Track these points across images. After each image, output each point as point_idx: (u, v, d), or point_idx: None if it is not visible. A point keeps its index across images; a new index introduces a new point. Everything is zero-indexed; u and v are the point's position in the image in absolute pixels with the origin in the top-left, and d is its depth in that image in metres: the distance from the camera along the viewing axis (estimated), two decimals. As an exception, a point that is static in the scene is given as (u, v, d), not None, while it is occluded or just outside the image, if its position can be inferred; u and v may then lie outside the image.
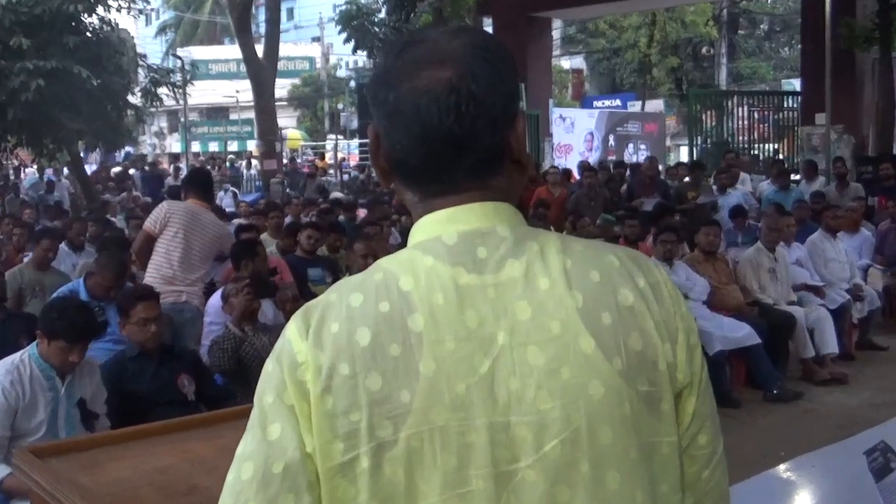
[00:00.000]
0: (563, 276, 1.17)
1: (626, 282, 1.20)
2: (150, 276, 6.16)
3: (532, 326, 1.14)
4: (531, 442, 1.12)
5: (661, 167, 20.79)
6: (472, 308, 1.14)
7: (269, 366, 1.18)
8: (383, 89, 1.21)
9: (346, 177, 25.92)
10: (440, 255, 1.16)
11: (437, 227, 1.20)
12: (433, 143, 1.18)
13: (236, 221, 13.54)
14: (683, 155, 23.60)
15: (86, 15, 17.62)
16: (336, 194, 18.48)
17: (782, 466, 3.04)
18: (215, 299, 5.65)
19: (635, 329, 1.17)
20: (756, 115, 20.08)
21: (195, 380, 4.66)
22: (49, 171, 23.46)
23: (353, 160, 35.59)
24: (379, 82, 1.22)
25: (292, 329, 1.17)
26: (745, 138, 19.80)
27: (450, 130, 1.17)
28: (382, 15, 26.50)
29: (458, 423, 1.11)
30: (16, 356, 4.06)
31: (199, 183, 6.78)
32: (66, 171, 22.75)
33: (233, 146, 41.40)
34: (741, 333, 7.33)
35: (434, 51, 1.20)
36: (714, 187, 12.77)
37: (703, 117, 19.97)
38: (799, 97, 18.62)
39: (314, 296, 5.32)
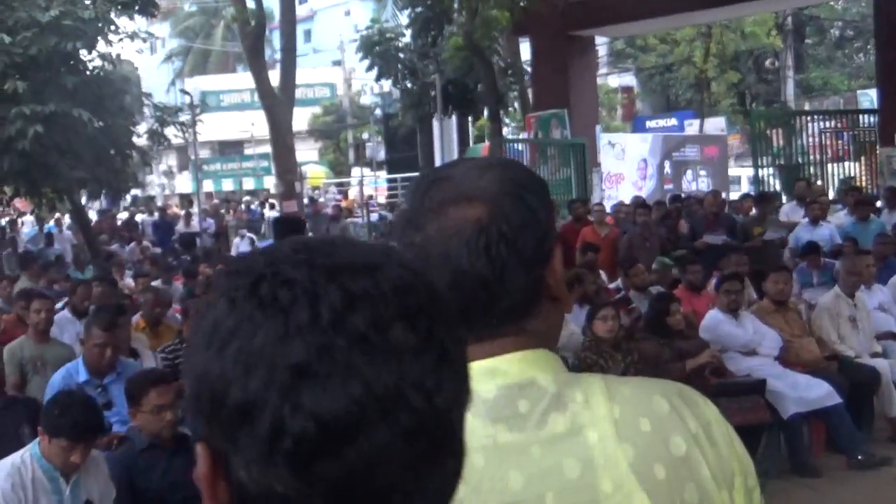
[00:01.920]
0: (613, 428, 1.19)
1: (678, 428, 1.21)
2: None
3: (582, 486, 1.16)
4: None
5: (724, 196, 20.79)
6: (515, 469, 1.16)
7: None
8: (410, 230, 1.24)
9: (374, 217, 26.07)
10: (478, 413, 1.16)
11: (474, 380, 1.21)
12: (465, 287, 1.20)
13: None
14: (746, 178, 23.50)
15: (85, 52, 17.99)
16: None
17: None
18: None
19: (690, 480, 1.19)
20: (828, 135, 19.93)
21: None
22: (50, 222, 23.87)
23: (382, 195, 35.85)
24: (405, 223, 1.26)
25: None
26: (818, 158, 19.66)
27: (481, 274, 1.20)
28: (407, 39, 26.81)
29: None
30: (16, 456, 4.14)
31: (281, 236, 7.06)
32: (67, 220, 23.12)
33: (248, 184, 41.84)
34: (819, 393, 7.26)
35: (462, 189, 1.23)
36: (802, 220, 12.66)
37: (770, 136, 19.87)
38: (876, 114, 18.49)
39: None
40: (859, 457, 7.19)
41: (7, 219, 23.53)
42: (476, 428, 1.15)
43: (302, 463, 0.76)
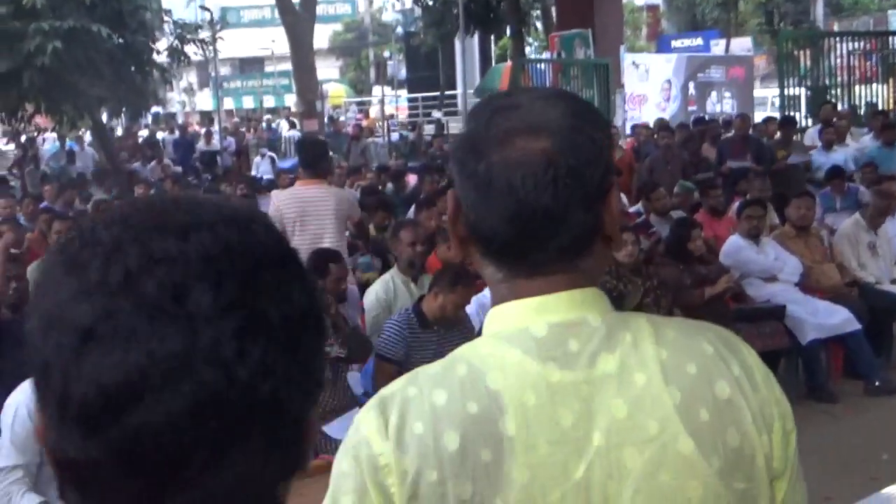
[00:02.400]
0: (660, 370, 1.20)
1: (722, 372, 1.23)
2: None
3: (629, 426, 1.18)
4: None
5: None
6: (565, 407, 1.17)
7: (344, 464, 1.19)
8: (472, 158, 1.23)
9: (394, 136, 25.99)
10: (529, 350, 1.19)
11: (524, 316, 1.22)
12: (526, 219, 1.20)
13: (276, 194, 13.80)
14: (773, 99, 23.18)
15: (104, -33, 17.84)
16: (381, 162, 18.57)
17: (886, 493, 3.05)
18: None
19: (732, 424, 1.21)
20: (857, 56, 19.60)
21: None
22: (71, 139, 23.89)
23: (403, 113, 35.70)
24: (466, 149, 1.24)
25: (369, 425, 1.19)
26: (845, 79, 19.38)
27: (546, 207, 1.19)
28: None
29: None
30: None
31: (307, 159, 7.10)
32: (89, 138, 23.16)
33: (269, 101, 41.71)
34: (838, 319, 7.26)
35: (528, 119, 1.22)
36: (819, 144, 12.57)
37: (798, 57, 19.57)
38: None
39: (362, 285, 5.38)
40: (877, 383, 7.21)
41: (28, 136, 23.56)
42: (527, 365, 1.18)
43: (88, 428, 0.74)
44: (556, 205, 1.20)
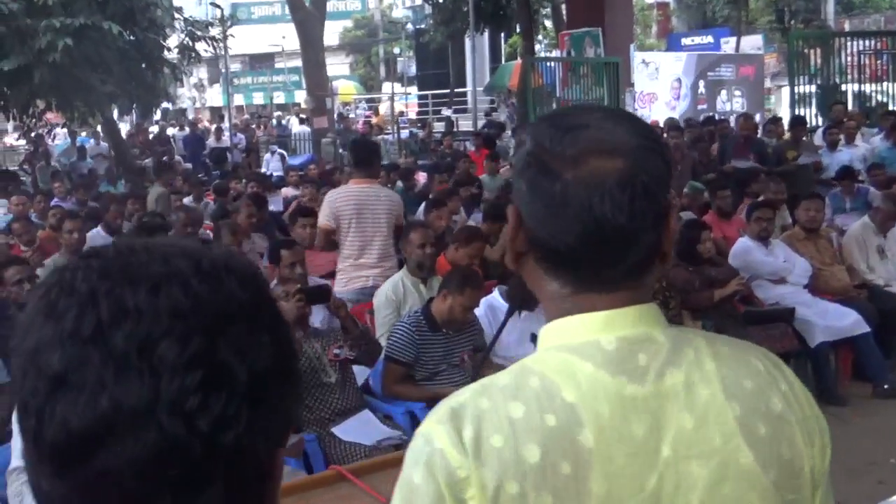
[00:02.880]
0: (721, 385, 1.25)
1: (774, 388, 1.30)
2: (342, 264, 6.90)
3: (695, 439, 1.22)
4: None
5: (758, 118, 20.51)
6: (637, 420, 1.21)
7: (417, 477, 1.18)
8: (545, 176, 1.25)
9: (404, 133, 26.00)
10: (600, 363, 1.22)
11: (593, 330, 1.25)
12: (602, 238, 1.23)
13: (286, 191, 13.83)
14: (785, 98, 23.13)
15: (114, -35, 17.87)
16: (391, 159, 18.57)
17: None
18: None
19: (785, 438, 1.27)
20: (868, 55, 19.53)
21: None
22: (83, 135, 23.96)
23: (412, 110, 35.69)
24: (538, 167, 1.26)
25: (442, 437, 1.19)
26: (856, 76, 19.33)
27: (621, 226, 1.22)
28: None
29: None
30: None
31: (360, 159, 7.23)
32: (100, 133, 23.22)
33: (279, 98, 41.75)
34: (848, 322, 7.26)
35: (600, 138, 1.25)
36: (823, 143, 12.56)
37: (808, 56, 19.51)
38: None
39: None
40: (885, 386, 7.20)
41: (38, 132, 23.65)
42: (601, 378, 1.21)
43: (58, 467, 0.79)
44: (632, 224, 1.23)
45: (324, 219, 6.98)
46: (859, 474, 5.72)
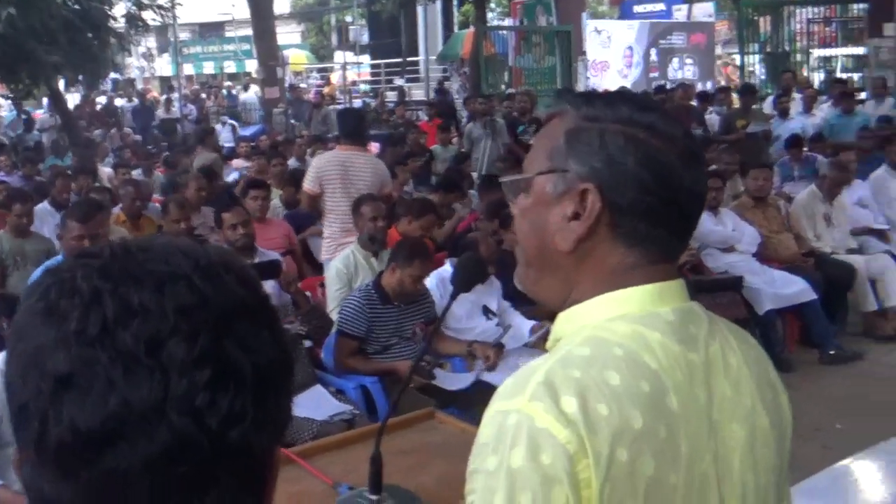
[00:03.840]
0: (742, 356, 1.36)
1: (766, 358, 1.44)
2: (329, 230, 7.08)
3: (734, 403, 1.32)
4: None
5: (709, 85, 20.63)
6: (698, 385, 1.28)
7: (518, 461, 1.16)
8: (661, 150, 1.31)
9: (356, 103, 25.81)
10: (666, 332, 1.28)
11: (651, 301, 1.30)
12: (695, 207, 1.34)
13: (237, 163, 13.71)
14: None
15: (58, -68, 17.51)
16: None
17: (822, 475, 3.12)
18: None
19: (780, 404, 1.42)
20: (817, 23, 19.72)
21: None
22: (31, 106, 23.53)
23: (365, 79, 35.44)
24: (657, 139, 1.31)
25: (542, 415, 1.17)
26: (805, 45, 19.51)
27: (702, 196, 1.35)
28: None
29: (702, 501, 1.26)
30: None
31: (347, 127, 7.43)
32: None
33: (230, 67, 41.23)
34: (795, 289, 7.37)
35: (668, 113, 1.37)
36: (774, 112, 12.68)
37: (758, 23, 19.65)
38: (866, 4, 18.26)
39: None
40: (831, 351, 7.33)
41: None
42: (670, 346, 1.27)
43: (63, 470, 0.78)
44: (704, 190, 1.36)
45: (308, 184, 7.11)
46: (805, 440, 5.80)
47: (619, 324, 1.27)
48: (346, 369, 5.37)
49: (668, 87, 16.83)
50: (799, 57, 19.38)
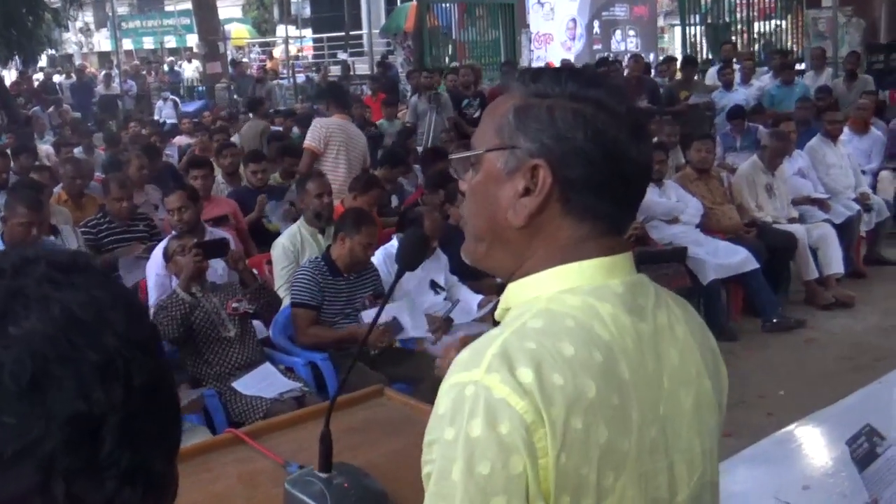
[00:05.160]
0: (686, 323, 1.41)
1: (705, 326, 1.48)
2: None
3: (681, 371, 1.36)
4: (685, 478, 1.35)
5: (652, 57, 20.74)
6: (648, 354, 1.32)
7: (476, 431, 1.17)
8: (610, 125, 1.32)
9: (300, 78, 25.62)
10: (616, 304, 1.31)
11: (601, 274, 1.33)
12: (641, 180, 1.37)
13: (180, 140, 13.55)
14: (678, 37, 23.39)
15: None
16: (287, 105, 18.30)
17: (766, 442, 3.18)
18: (161, 250, 5.68)
19: (720, 370, 1.47)
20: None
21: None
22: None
23: (308, 53, 35.15)
24: (606, 115, 1.32)
25: (499, 386, 1.18)
26: (745, 15, 19.68)
27: (648, 169, 1.39)
28: None
29: (653, 466, 1.30)
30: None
31: (339, 96, 7.93)
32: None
33: (170, 42, 40.66)
34: (738, 259, 7.47)
35: (614, 87, 1.37)
36: (718, 83, 12.80)
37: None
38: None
39: (271, 235, 5.35)
40: (774, 320, 7.45)
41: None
42: (621, 317, 1.30)
43: None
44: (650, 163, 1.41)
45: (313, 141, 7.36)
46: (749, 406, 5.92)
47: (570, 296, 1.29)
48: (309, 340, 5.32)
49: (612, 58, 16.92)
50: (740, 27, 19.56)
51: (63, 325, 0.77)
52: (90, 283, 0.82)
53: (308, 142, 7.44)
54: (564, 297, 1.30)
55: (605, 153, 1.30)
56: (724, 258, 7.44)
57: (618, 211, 1.35)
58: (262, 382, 4.94)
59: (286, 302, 5.61)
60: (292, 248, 6.13)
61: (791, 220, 8.32)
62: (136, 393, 0.79)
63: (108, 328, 0.79)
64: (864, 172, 9.62)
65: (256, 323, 5.48)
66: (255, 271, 5.56)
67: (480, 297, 5.99)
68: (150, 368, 0.81)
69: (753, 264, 7.48)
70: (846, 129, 9.84)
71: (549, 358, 1.21)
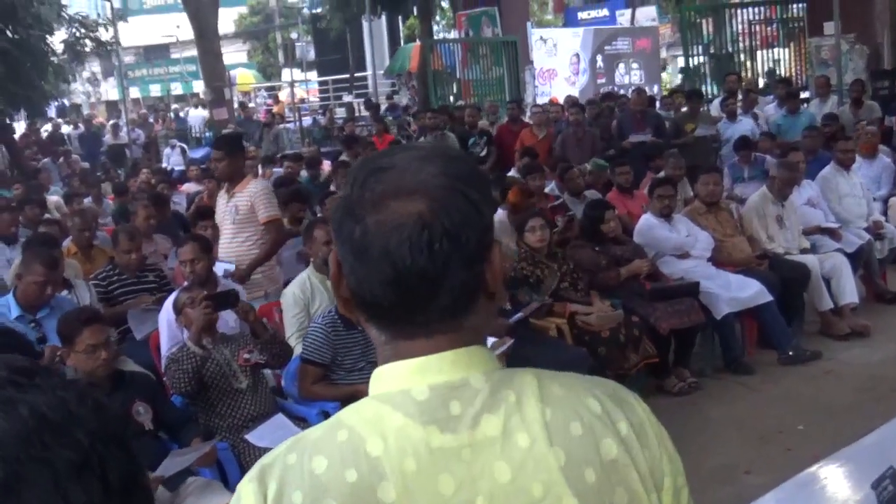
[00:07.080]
0: (544, 431, 1.20)
1: (609, 431, 1.24)
2: None
3: (512, 490, 1.17)
4: None
5: (655, 89, 20.79)
6: (447, 472, 1.16)
7: None
8: (348, 222, 1.21)
9: (306, 121, 25.71)
10: (411, 413, 1.18)
11: (406, 378, 1.21)
12: (405, 283, 1.18)
13: (188, 187, 13.57)
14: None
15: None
16: (294, 148, 18.34)
17: (789, 484, 3.11)
18: (171, 301, 5.64)
19: (620, 484, 1.22)
20: (758, 24, 19.94)
21: (151, 406, 4.70)
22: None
23: (314, 96, 35.35)
24: (343, 212, 1.22)
25: (249, 496, 1.19)
26: (748, 45, 19.72)
27: (423, 270, 1.17)
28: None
29: None
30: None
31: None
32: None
33: (177, 89, 40.99)
34: (751, 292, 7.39)
35: (403, 181, 1.20)
36: (722, 115, 12.78)
37: (701, 25, 19.83)
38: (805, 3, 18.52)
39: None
40: (790, 352, 7.36)
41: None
42: (409, 430, 1.17)
43: None
44: (434, 267, 1.18)
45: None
46: (767, 442, 5.85)
47: (368, 403, 1.22)
48: (312, 396, 5.31)
49: (618, 92, 16.96)
50: (742, 57, 19.59)
51: (34, 427, 0.78)
52: (54, 384, 0.83)
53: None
54: (365, 403, 1.22)
55: (350, 252, 1.22)
56: (737, 291, 7.37)
57: (400, 315, 1.22)
58: (276, 433, 4.88)
59: (297, 350, 5.57)
60: (302, 295, 6.10)
61: (803, 251, 8.25)
62: (113, 487, 0.78)
63: (80, 426, 0.80)
64: (874, 199, 9.56)
65: (269, 371, 5.45)
66: (265, 321, 5.52)
67: (493, 339, 5.93)
68: (125, 462, 0.81)
69: (767, 297, 7.41)
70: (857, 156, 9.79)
71: (298, 474, 1.17)
